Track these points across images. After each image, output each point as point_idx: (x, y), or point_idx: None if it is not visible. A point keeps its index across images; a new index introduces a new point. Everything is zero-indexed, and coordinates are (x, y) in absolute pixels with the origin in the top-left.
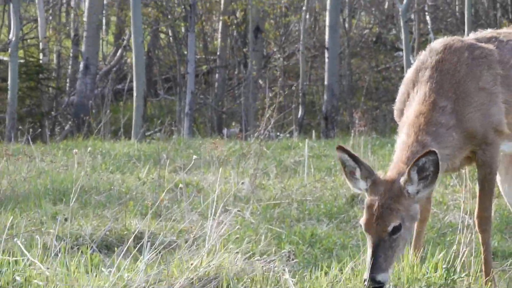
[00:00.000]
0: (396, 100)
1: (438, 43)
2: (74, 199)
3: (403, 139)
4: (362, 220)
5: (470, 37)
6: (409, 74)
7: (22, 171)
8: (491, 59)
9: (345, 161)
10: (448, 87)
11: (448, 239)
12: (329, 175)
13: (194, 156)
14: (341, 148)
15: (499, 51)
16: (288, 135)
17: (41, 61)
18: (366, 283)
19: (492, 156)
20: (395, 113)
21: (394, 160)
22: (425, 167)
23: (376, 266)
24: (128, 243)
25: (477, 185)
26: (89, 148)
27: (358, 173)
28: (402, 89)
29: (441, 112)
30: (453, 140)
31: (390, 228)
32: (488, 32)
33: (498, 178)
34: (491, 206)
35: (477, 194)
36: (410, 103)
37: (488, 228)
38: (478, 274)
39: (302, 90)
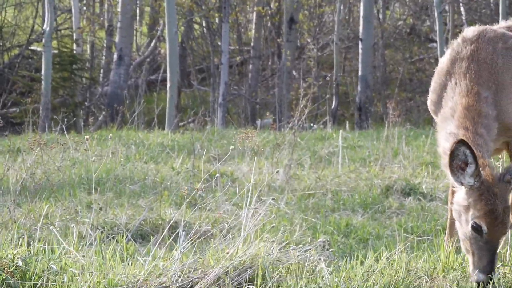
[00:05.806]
0: (430, 90)
1: (470, 32)
2: (108, 189)
3: (462, 132)
4: (486, 224)
5: (501, 25)
6: (443, 64)
7: (57, 161)
8: None
9: (460, 155)
10: (487, 77)
11: None
12: (363, 165)
13: (231, 147)
14: (464, 143)
15: None
16: (321, 125)
17: (74, 52)
18: (485, 284)
19: None
20: (429, 103)
21: None
22: None
23: (494, 268)
24: (164, 232)
25: None
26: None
27: (471, 169)
28: (437, 80)
29: (486, 103)
30: (495, 131)
31: (508, 231)
32: None
33: None
34: None
35: None
36: (449, 95)
37: None
38: None
39: (336, 81)
